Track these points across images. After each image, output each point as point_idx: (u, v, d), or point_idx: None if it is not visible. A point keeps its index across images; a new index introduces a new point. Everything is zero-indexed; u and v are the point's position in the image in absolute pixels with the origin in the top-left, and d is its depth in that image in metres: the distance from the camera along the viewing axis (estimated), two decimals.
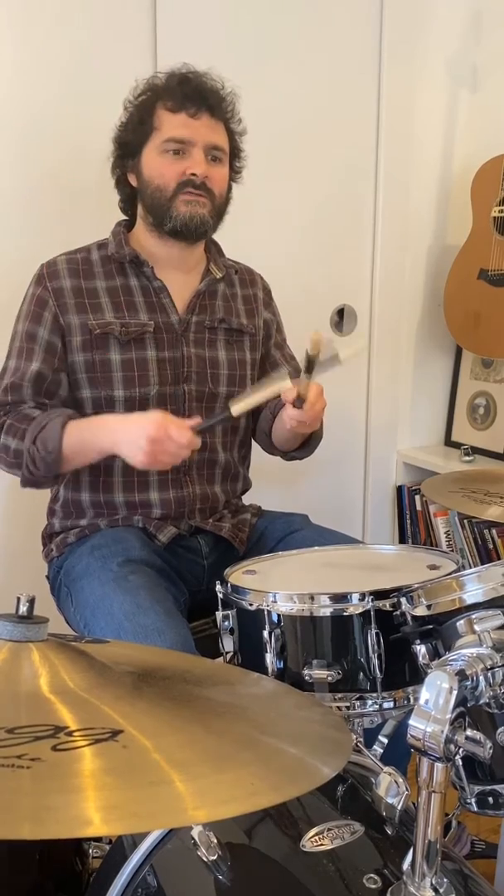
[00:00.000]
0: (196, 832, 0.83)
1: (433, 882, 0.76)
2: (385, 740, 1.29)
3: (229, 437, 1.62)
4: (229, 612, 1.20)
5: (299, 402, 1.41)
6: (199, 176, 1.47)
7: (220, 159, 1.52)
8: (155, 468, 1.41)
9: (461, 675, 0.76)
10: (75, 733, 0.64)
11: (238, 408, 1.35)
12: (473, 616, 0.98)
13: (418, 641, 1.05)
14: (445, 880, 0.78)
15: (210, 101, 1.49)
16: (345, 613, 1.11)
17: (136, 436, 1.34)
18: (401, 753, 1.24)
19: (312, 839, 0.85)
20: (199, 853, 0.82)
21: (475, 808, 0.97)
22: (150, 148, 1.50)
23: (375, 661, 1.10)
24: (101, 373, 1.49)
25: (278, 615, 1.13)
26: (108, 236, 1.58)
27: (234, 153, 1.57)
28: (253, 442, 1.73)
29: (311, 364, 1.36)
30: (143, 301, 1.53)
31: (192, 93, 1.48)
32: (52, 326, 1.49)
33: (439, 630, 1.03)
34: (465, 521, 2.35)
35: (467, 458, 2.40)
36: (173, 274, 1.56)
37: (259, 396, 1.35)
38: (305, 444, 1.63)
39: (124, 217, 1.62)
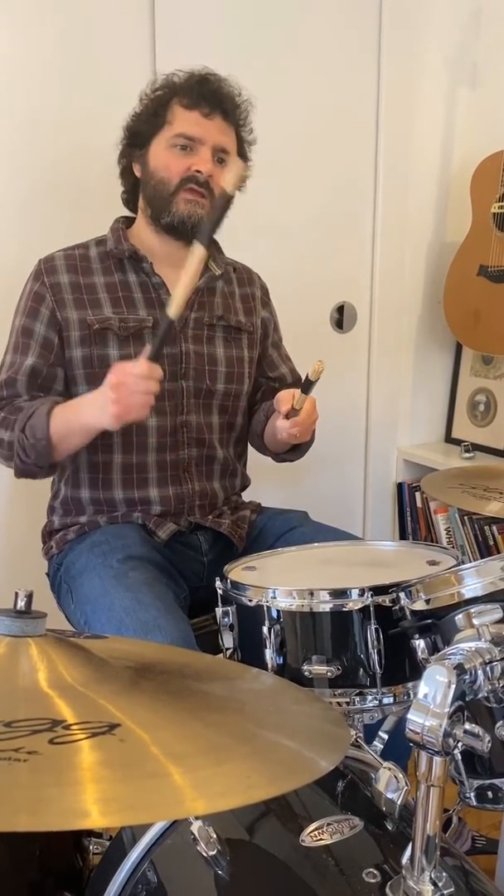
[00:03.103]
0: (195, 827, 0.83)
1: (432, 876, 0.76)
2: (385, 736, 1.28)
3: (226, 434, 1.62)
4: (229, 608, 1.20)
5: (293, 413, 1.43)
6: (203, 174, 1.47)
7: (227, 163, 1.52)
8: (131, 416, 1.35)
9: (460, 669, 0.76)
10: (73, 727, 0.64)
11: (174, 309, 1.34)
12: (472, 610, 0.98)
13: (417, 636, 1.05)
14: (444, 874, 0.78)
15: (225, 105, 1.50)
16: (344, 609, 1.11)
17: (103, 394, 1.34)
18: (401, 749, 1.24)
19: (312, 834, 0.85)
20: (198, 848, 0.82)
21: (474, 803, 0.97)
22: (159, 140, 1.50)
23: (375, 657, 1.10)
24: (98, 368, 1.49)
25: (278, 611, 1.13)
26: (106, 233, 1.58)
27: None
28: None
29: (308, 386, 1.39)
30: (142, 297, 1.53)
31: (209, 94, 1.49)
32: (48, 321, 1.49)
33: (438, 625, 1.03)
34: (466, 517, 2.35)
35: (467, 455, 2.40)
36: (172, 270, 1.55)
37: (186, 284, 1.33)
38: (296, 448, 1.65)
39: (123, 215, 1.62)
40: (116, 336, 1.49)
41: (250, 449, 1.74)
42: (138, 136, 1.53)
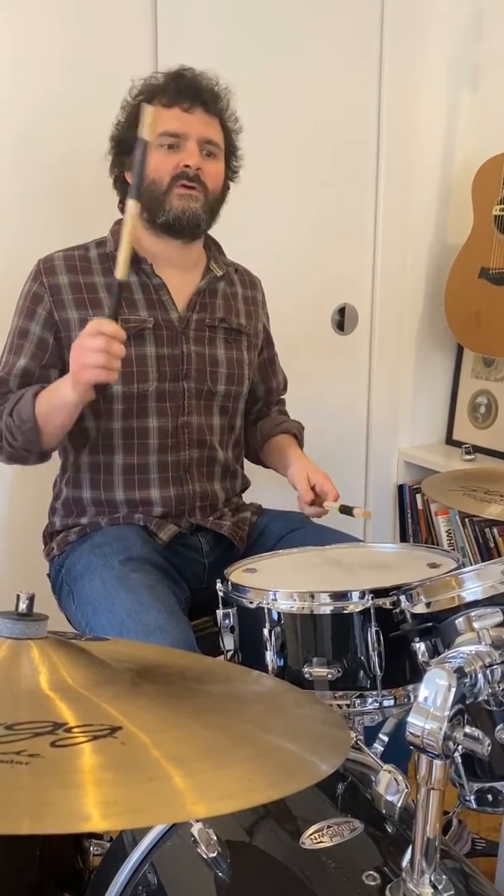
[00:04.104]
0: (196, 829, 0.83)
1: (432, 879, 0.77)
2: (386, 738, 1.29)
3: (226, 436, 1.62)
4: (230, 610, 1.20)
5: (317, 501, 1.55)
6: (192, 167, 1.47)
7: (215, 154, 1.52)
8: (87, 374, 1.32)
9: (460, 672, 0.76)
10: (74, 730, 0.64)
11: (120, 271, 1.35)
12: (472, 614, 0.98)
13: (417, 639, 1.06)
14: (444, 877, 0.78)
15: (204, 97, 1.50)
16: (345, 611, 1.11)
17: (71, 361, 1.35)
18: (402, 751, 1.23)
19: (312, 836, 0.85)
20: (199, 850, 0.83)
21: (474, 806, 0.97)
22: None
23: (375, 659, 1.10)
24: None
25: (279, 613, 1.14)
26: (106, 234, 1.58)
27: (231, 150, 1.58)
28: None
29: (345, 510, 1.53)
30: (143, 298, 1.53)
31: (185, 88, 1.49)
32: (44, 322, 1.50)
33: (438, 628, 1.04)
34: (467, 519, 2.35)
35: (468, 457, 2.40)
36: (172, 271, 1.56)
37: (125, 243, 1.34)
38: None
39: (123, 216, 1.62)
40: None
41: None
42: (125, 143, 1.53)
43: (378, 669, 1.10)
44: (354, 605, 1.11)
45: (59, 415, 1.43)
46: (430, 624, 1.05)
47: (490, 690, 0.79)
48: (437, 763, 0.74)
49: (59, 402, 1.41)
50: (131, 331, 1.50)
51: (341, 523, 1.67)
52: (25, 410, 1.43)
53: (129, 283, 1.54)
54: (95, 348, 1.30)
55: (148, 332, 1.51)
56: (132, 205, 1.33)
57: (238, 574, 1.27)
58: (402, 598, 1.08)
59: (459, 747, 0.74)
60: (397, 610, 1.09)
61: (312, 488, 1.55)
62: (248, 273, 1.71)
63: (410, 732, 0.74)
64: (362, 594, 1.11)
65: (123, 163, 1.55)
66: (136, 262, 1.54)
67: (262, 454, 1.74)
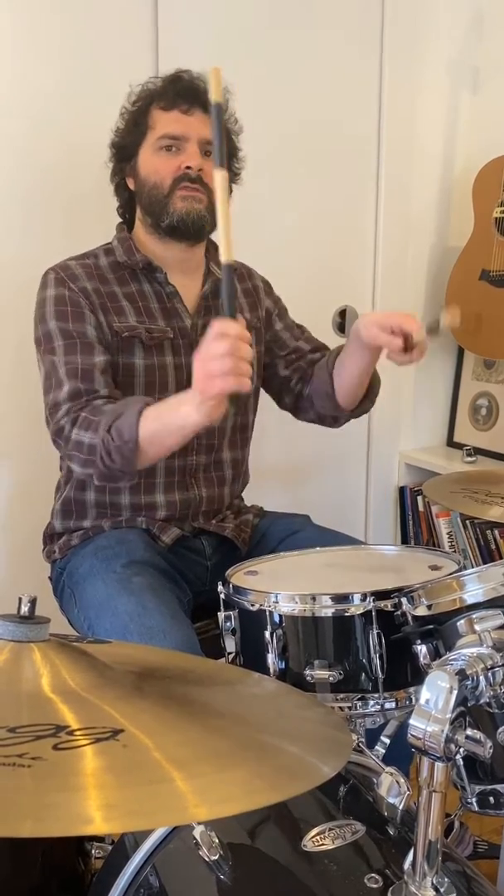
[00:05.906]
0: (198, 832, 0.83)
1: (434, 881, 0.77)
2: (387, 741, 1.28)
3: (238, 435, 1.62)
4: (231, 612, 1.20)
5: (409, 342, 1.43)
6: (193, 169, 1.47)
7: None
8: (215, 386, 1.19)
9: (461, 674, 0.76)
10: (76, 732, 0.64)
11: (227, 253, 1.17)
12: (474, 616, 0.98)
13: (419, 641, 1.06)
14: (447, 880, 0.78)
15: (202, 98, 1.48)
16: (346, 614, 1.11)
17: (195, 376, 1.22)
18: (403, 754, 1.24)
19: (314, 839, 0.85)
20: (200, 853, 0.83)
21: (476, 808, 0.97)
22: (145, 148, 1.50)
23: (377, 662, 1.10)
24: (123, 377, 1.48)
25: (280, 616, 1.14)
26: (110, 241, 1.58)
27: (231, 152, 1.57)
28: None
29: (435, 330, 1.46)
30: (159, 307, 1.53)
31: (183, 90, 1.49)
32: (95, 322, 1.45)
33: (440, 630, 1.04)
34: (468, 521, 2.35)
35: (469, 459, 2.40)
36: (177, 277, 1.56)
37: (224, 220, 1.19)
38: (368, 392, 1.65)
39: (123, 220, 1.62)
40: (143, 345, 1.48)
41: (252, 454, 1.74)
42: (125, 149, 1.53)
43: (379, 672, 1.10)
44: (356, 608, 1.11)
45: (171, 437, 1.32)
46: (431, 626, 1.05)
47: (492, 693, 0.79)
48: (439, 765, 0.74)
49: (175, 424, 1.29)
50: (155, 340, 1.49)
51: (342, 525, 1.67)
52: (128, 430, 1.29)
53: (144, 292, 1.53)
54: (221, 353, 1.17)
55: (167, 342, 1.51)
56: (219, 176, 1.18)
57: (239, 576, 1.28)
58: (404, 600, 1.08)
59: (461, 749, 0.74)
60: (399, 612, 1.09)
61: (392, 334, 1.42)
62: (245, 266, 1.70)
63: (412, 735, 0.74)
64: (364, 596, 1.11)
65: (124, 169, 1.55)
66: (151, 269, 1.54)
67: (338, 390, 1.62)
